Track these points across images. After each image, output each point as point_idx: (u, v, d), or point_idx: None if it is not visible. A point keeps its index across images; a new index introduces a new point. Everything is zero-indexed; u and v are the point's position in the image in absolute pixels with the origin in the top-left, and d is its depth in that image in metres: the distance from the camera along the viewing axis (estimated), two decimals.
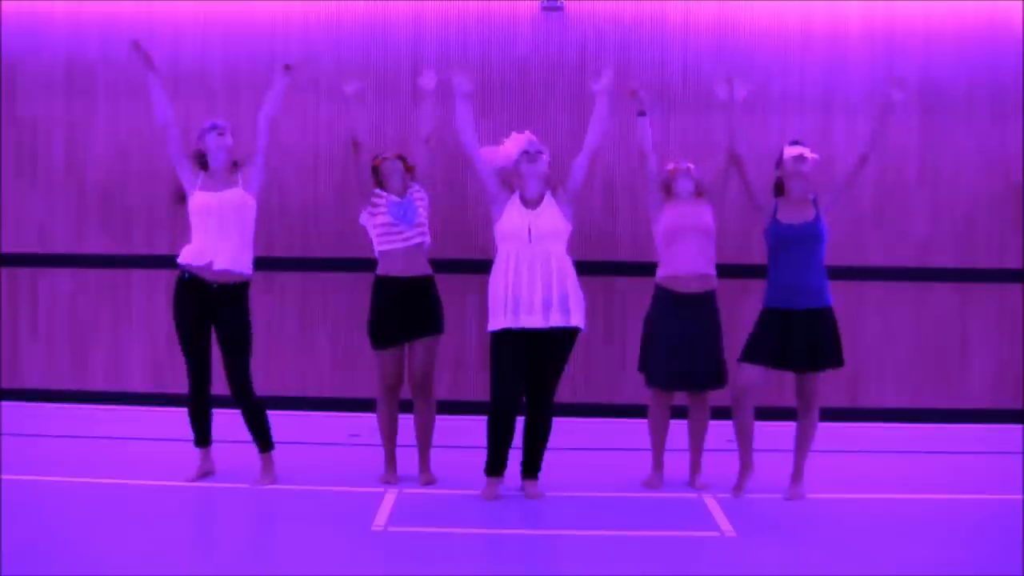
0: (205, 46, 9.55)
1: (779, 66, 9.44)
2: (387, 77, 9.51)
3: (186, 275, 7.09)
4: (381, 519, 6.49)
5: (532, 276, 6.80)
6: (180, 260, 7.11)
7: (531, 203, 6.96)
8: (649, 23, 9.45)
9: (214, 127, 7.29)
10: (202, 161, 7.25)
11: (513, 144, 7.05)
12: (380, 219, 7.29)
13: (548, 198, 6.97)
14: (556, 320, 6.81)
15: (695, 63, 9.44)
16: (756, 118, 9.40)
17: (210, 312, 7.11)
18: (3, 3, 9.56)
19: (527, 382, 6.91)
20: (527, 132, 7.11)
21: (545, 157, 7.00)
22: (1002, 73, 9.39)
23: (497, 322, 6.83)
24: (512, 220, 6.90)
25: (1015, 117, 9.37)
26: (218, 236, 7.06)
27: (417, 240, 7.33)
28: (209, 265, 7.03)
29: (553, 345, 6.87)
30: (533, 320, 6.78)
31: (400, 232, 7.28)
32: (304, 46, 9.52)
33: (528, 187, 6.95)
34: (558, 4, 9.39)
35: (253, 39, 9.54)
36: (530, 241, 6.84)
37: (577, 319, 6.87)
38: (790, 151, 7.14)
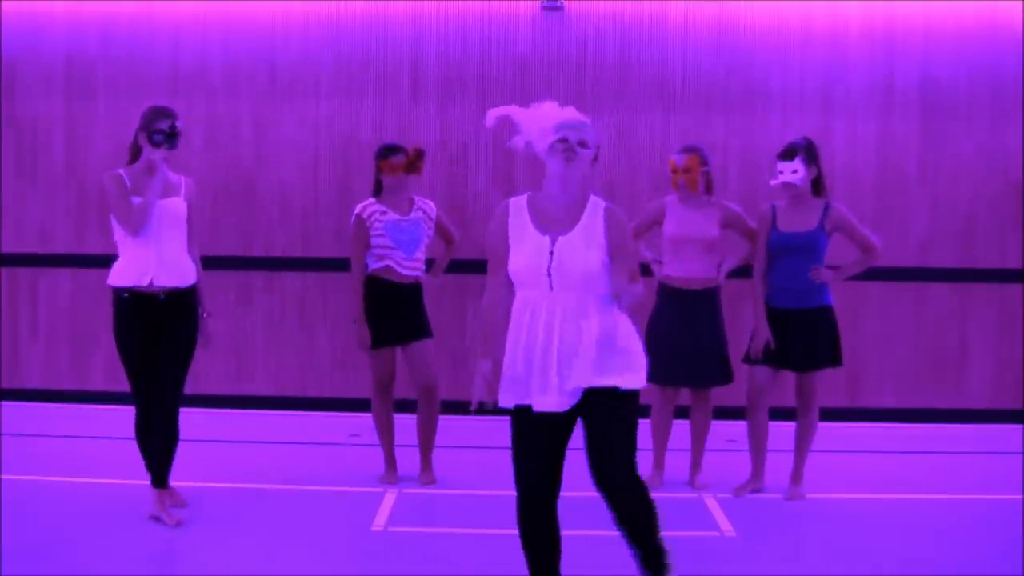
0: (205, 46, 9.55)
1: (779, 65, 9.44)
2: (387, 76, 9.51)
3: (125, 293, 6.18)
4: (381, 519, 6.49)
5: (548, 341, 4.52)
6: (114, 283, 6.20)
7: (553, 222, 4.61)
8: (649, 23, 9.45)
9: (170, 129, 6.26)
10: (138, 152, 6.31)
11: (543, 118, 4.74)
12: (377, 239, 7.18)
13: (593, 214, 4.60)
14: (578, 393, 4.54)
15: (695, 63, 9.44)
16: (756, 117, 9.41)
17: (158, 323, 6.22)
18: (3, 3, 9.56)
19: (592, 461, 4.60)
20: (571, 108, 4.76)
21: (589, 153, 4.65)
22: (1002, 73, 9.39)
23: (504, 397, 4.65)
24: (523, 254, 4.60)
25: (1015, 116, 9.37)
26: (157, 250, 6.15)
27: (412, 274, 7.25)
28: (150, 284, 6.16)
29: (594, 412, 4.56)
30: (547, 401, 4.54)
31: (401, 257, 7.22)
32: (304, 46, 9.52)
33: (553, 191, 4.65)
34: (558, 3, 9.39)
35: (253, 39, 9.54)
36: (551, 289, 4.55)
37: (626, 379, 4.57)
38: (775, 180, 7.05)
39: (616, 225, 4.59)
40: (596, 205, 4.63)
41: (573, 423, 4.61)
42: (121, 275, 6.17)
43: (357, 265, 7.24)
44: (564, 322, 4.49)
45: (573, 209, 4.60)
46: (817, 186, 7.02)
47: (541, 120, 4.69)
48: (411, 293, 7.28)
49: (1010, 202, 9.43)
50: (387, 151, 7.27)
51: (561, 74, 9.46)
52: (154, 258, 6.14)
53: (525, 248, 4.58)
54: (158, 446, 6.32)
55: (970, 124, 9.44)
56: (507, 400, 4.61)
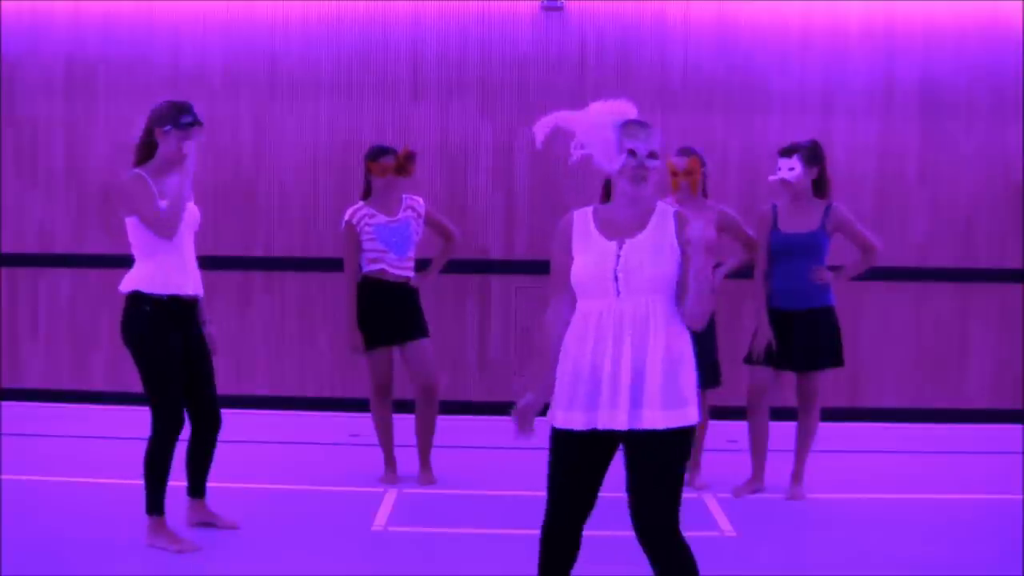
0: (205, 46, 9.56)
1: (779, 65, 9.44)
2: (387, 77, 9.51)
3: (164, 298, 5.86)
4: (381, 519, 6.49)
5: (618, 352, 4.14)
6: (151, 290, 5.83)
7: (620, 228, 4.24)
8: (649, 23, 9.45)
9: (197, 120, 5.90)
10: (151, 150, 5.93)
11: (603, 126, 4.25)
12: (368, 243, 7.18)
13: (662, 218, 4.24)
14: (639, 420, 4.13)
15: (695, 63, 9.44)
16: (756, 117, 9.42)
17: (183, 330, 5.99)
18: (3, 3, 9.56)
19: (630, 495, 4.23)
20: (627, 106, 4.30)
21: (659, 162, 4.26)
22: (1002, 73, 9.39)
23: (556, 414, 4.27)
24: (588, 260, 4.22)
25: (1015, 117, 9.37)
26: (190, 257, 5.95)
27: (404, 275, 7.23)
28: (194, 293, 5.98)
29: (645, 449, 4.16)
30: (613, 419, 4.14)
31: (394, 259, 7.20)
32: (304, 46, 9.52)
33: (621, 206, 4.25)
34: (558, 4, 9.39)
35: (253, 39, 9.54)
36: (618, 294, 4.18)
37: (684, 415, 4.16)
38: (773, 176, 7.05)
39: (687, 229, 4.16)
40: (664, 211, 4.27)
41: (616, 446, 4.27)
42: (159, 282, 5.83)
43: (349, 269, 7.23)
44: (634, 334, 4.13)
45: (641, 217, 4.24)
46: (819, 187, 7.01)
47: (601, 128, 4.23)
48: (406, 293, 7.27)
49: (1010, 202, 9.43)
50: (376, 153, 7.26)
51: (561, 74, 9.46)
52: (188, 264, 5.92)
53: (590, 254, 4.21)
54: (207, 452, 6.22)
55: (970, 124, 9.44)
56: (558, 419, 4.24)
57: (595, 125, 4.24)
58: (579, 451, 4.23)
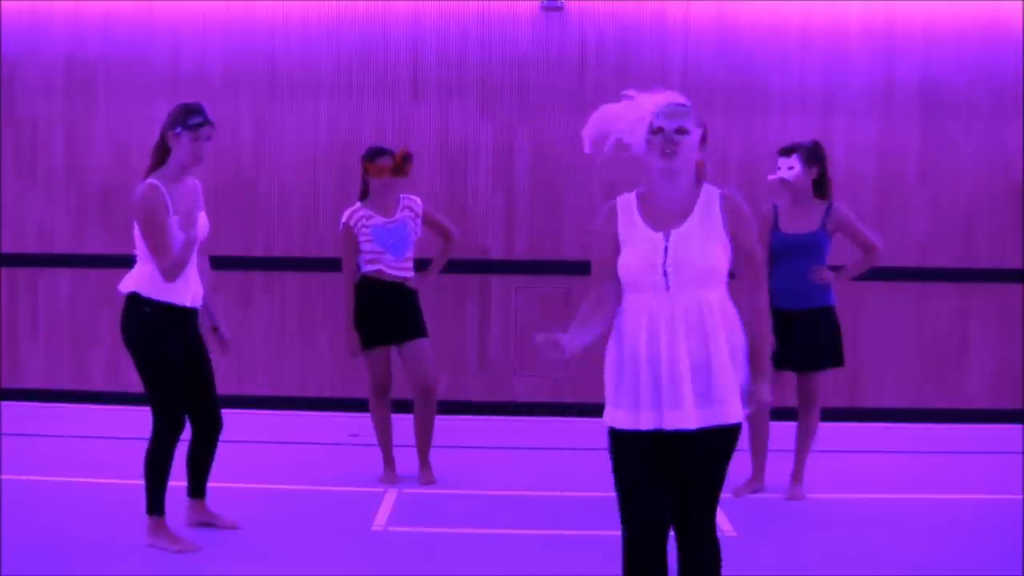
0: (205, 46, 9.56)
1: (779, 65, 9.45)
2: (387, 77, 9.51)
3: (166, 308, 5.84)
4: (381, 519, 6.49)
5: (674, 348, 4.03)
6: (159, 297, 5.81)
7: (665, 217, 4.12)
8: (649, 23, 9.46)
9: (207, 120, 5.86)
10: (165, 154, 5.88)
11: (636, 109, 4.18)
12: (366, 245, 7.18)
13: (707, 203, 4.13)
14: (712, 417, 4.06)
15: (695, 63, 9.44)
16: (756, 117, 9.42)
17: (181, 332, 5.96)
18: (3, 3, 9.56)
19: (675, 501, 4.18)
20: (668, 92, 4.21)
21: (692, 139, 4.11)
22: (1002, 73, 9.40)
23: (618, 417, 4.13)
24: (635, 252, 4.10)
25: (1015, 117, 9.38)
26: (192, 268, 5.90)
27: (402, 275, 7.23)
28: (184, 305, 5.90)
29: (705, 448, 4.12)
30: (681, 419, 4.03)
31: (391, 260, 7.20)
32: (304, 46, 9.53)
33: (660, 187, 4.14)
34: (558, 4, 9.40)
35: (253, 39, 9.54)
36: (668, 288, 4.07)
37: (737, 406, 4.11)
38: (772, 175, 7.06)
39: (735, 214, 4.12)
40: (710, 194, 4.14)
41: (683, 441, 4.10)
42: (158, 288, 5.81)
43: (347, 271, 7.22)
44: (688, 330, 4.02)
45: (685, 200, 4.13)
46: (820, 188, 7.01)
47: (634, 111, 4.15)
48: (403, 293, 7.27)
49: (1010, 202, 9.44)
50: (373, 154, 7.26)
51: (561, 74, 9.46)
52: (190, 274, 5.88)
53: (637, 248, 4.09)
54: (208, 453, 6.25)
55: (970, 124, 9.44)
56: (620, 420, 4.09)
57: (637, 120, 4.15)
58: (652, 450, 4.08)
